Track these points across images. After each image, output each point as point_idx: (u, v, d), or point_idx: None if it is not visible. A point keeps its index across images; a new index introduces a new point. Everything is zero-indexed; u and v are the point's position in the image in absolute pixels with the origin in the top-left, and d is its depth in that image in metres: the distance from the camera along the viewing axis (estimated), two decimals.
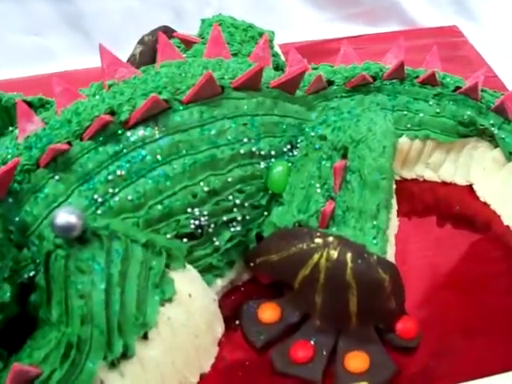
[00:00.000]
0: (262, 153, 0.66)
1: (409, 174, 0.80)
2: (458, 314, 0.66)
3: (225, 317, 0.65)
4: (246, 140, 0.65)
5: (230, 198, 0.63)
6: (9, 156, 0.60)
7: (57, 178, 0.59)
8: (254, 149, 0.65)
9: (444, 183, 0.80)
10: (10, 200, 0.58)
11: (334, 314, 0.62)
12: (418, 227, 0.76)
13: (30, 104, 0.66)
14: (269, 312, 0.64)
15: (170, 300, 0.56)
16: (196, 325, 0.59)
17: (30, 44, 0.88)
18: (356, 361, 0.60)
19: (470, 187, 0.79)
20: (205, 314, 0.60)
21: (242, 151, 0.64)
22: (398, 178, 0.79)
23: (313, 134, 0.67)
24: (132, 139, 0.61)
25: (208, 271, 0.64)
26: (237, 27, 0.80)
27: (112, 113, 0.61)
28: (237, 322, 0.65)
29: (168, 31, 0.84)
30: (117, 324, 0.53)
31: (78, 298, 0.52)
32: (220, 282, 0.66)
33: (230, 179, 0.63)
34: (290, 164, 0.67)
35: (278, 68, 0.78)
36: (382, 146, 0.63)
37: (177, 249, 0.58)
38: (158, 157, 0.61)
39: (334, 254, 0.59)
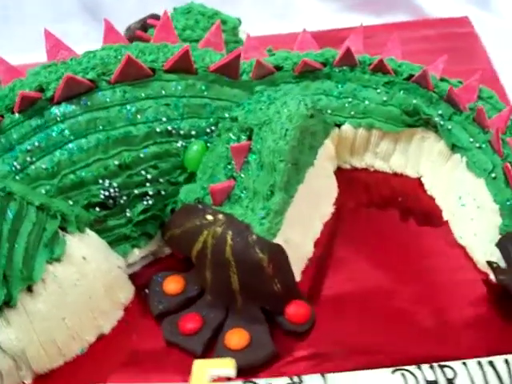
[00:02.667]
0: (181, 132, 0.71)
1: (359, 163, 0.81)
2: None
3: (141, 286, 0.72)
4: (164, 119, 0.70)
5: (143, 172, 0.70)
6: None
7: None
8: (170, 128, 0.70)
9: (396, 174, 0.80)
10: None
11: (221, 291, 0.66)
12: (362, 216, 0.77)
13: None
14: (173, 284, 0.70)
15: (58, 259, 0.63)
16: (91, 287, 0.66)
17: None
18: (236, 338, 0.64)
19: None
20: (102, 278, 0.67)
21: (158, 129, 0.70)
22: (348, 166, 0.81)
23: (227, 115, 0.71)
24: (54, 114, 0.69)
25: (123, 241, 0.71)
26: (203, 14, 0.86)
27: (41, 90, 0.69)
28: (146, 291, 0.71)
29: (156, 17, 0.91)
30: (2, 275, 0.61)
31: None
32: (137, 252, 0.72)
33: (142, 155, 0.69)
34: (208, 144, 0.72)
35: None
36: (284, 129, 0.66)
37: (72, 214, 0.65)
38: (76, 131, 0.68)
39: (219, 231, 0.64)
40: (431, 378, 0.59)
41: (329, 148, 0.77)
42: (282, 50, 0.82)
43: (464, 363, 0.60)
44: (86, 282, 0.66)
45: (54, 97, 0.69)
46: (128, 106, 0.70)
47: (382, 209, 0.78)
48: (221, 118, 0.73)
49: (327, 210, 0.76)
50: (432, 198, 0.77)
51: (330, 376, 0.60)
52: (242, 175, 0.67)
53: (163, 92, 0.71)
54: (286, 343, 0.65)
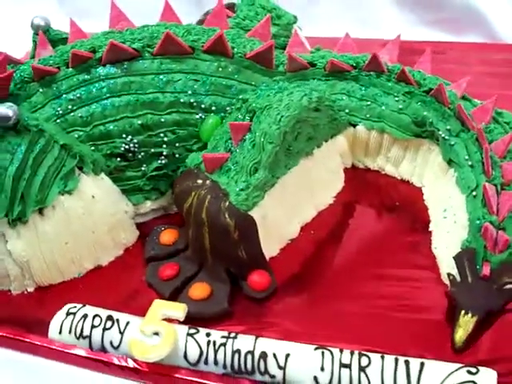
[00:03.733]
0: (203, 106, 0.81)
1: (371, 165, 0.87)
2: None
3: (147, 234, 0.83)
4: (190, 92, 0.81)
5: (162, 135, 0.81)
6: (26, 69, 0.85)
7: (41, 90, 0.82)
8: (193, 100, 0.80)
9: (403, 181, 0.85)
10: (11, 99, 0.84)
11: (197, 248, 0.75)
12: (358, 213, 0.83)
13: (53, 40, 0.91)
14: (167, 236, 0.80)
15: (69, 192, 0.76)
16: (94, 223, 0.78)
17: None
18: (198, 290, 0.73)
19: None
20: (107, 218, 0.79)
21: (182, 100, 0.80)
22: (361, 165, 0.87)
23: (241, 96, 0.80)
24: (98, 73, 0.82)
25: (137, 191, 0.83)
26: (264, 8, 0.95)
27: (94, 51, 0.83)
28: (147, 239, 0.82)
29: (232, 6, 1.02)
30: (20, 195, 0.75)
31: None
32: (149, 204, 0.84)
33: (163, 120, 0.80)
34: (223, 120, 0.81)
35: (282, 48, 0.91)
36: (280, 115, 0.73)
37: (91, 158, 0.78)
38: (112, 90, 0.81)
39: (202, 193, 0.73)
40: (346, 361, 0.64)
41: (341, 144, 0.84)
42: (326, 50, 0.88)
43: (382, 357, 0.64)
44: (91, 217, 0.78)
45: (102, 58, 0.81)
46: (161, 76, 0.81)
47: (379, 210, 0.83)
48: (242, 96, 0.81)
49: (325, 200, 0.82)
50: (426, 208, 0.80)
51: (261, 339, 0.68)
52: (237, 150, 0.75)
53: (196, 69, 0.81)
54: (251, 309, 0.73)
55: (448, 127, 0.78)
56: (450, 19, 1.13)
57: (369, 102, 0.83)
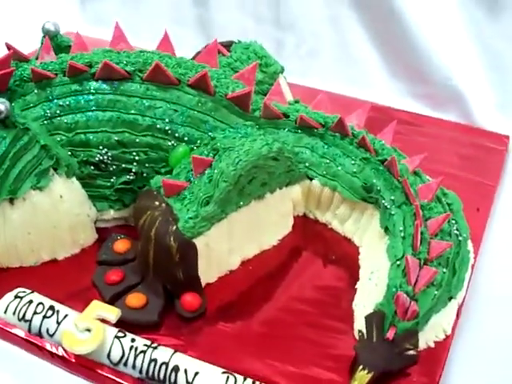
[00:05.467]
0: (176, 135, 0.91)
1: (321, 218, 0.96)
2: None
3: (105, 239, 0.94)
4: (167, 120, 0.91)
5: (134, 154, 0.91)
6: (26, 69, 0.95)
7: (36, 91, 0.93)
8: (168, 128, 0.91)
9: (345, 238, 0.94)
10: (8, 93, 0.94)
11: (142, 261, 0.85)
12: (295, 258, 0.93)
13: (59, 46, 1.02)
14: (121, 245, 0.90)
15: (40, 189, 0.86)
16: (57, 220, 0.88)
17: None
18: (135, 299, 0.83)
19: None
20: (70, 217, 0.89)
21: (158, 126, 0.90)
22: (311, 216, 0.97)
23: (210, 134, 0.90)
24: (89, 86, 0.92)
25: (103, 199, 0.93)
26: (256, 53, 1.05)
27: (90, 65, 0.93)
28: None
29: (231, 44, 1.12)
30: None
31: None
32: (112, 213, 0.94)
33: (138, 140, 0.90)
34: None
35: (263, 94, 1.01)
36: (238, 158, 0.83)
37: (66, 162, 0.88)
38: (99, 104, 0.91)
39: (155, 214, 0.83)
40: None
41: (295, 193, 0.94)
42: (303, 104, 0.98)
43: None
44: (56, 214, 0.88)
45: (96, 74, 0.92)
46: (144, 100, 0.91)
47: (317, 259, 0.92)
48: (211, 134, 0.92)
49: (269, 241, 0.92)
50: (359, 267, 0.90)
51: (177, 354, 0.77)
52: (195, 182, 0.85)
53: (178, 100, 0.92)
54: (179, 326, 0.83)
55: (392, 197, 0.87)
56: (434, 94, 1.23)
57: (328, 161, 0.93)
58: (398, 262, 0.81)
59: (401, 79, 1.27)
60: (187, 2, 1.44)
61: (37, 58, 0.98)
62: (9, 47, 1.03)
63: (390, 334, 0.76)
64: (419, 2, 1.22)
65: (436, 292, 0.79)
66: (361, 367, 0.75)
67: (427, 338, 0.80)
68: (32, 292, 0.84)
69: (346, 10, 1.28)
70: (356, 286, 0.87)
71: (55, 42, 1.02)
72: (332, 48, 1.32)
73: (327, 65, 1.30)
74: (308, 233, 0.95)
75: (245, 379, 0.75)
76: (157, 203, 0.84)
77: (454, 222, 0.87)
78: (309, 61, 1.32)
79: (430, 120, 1.20)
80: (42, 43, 1.02)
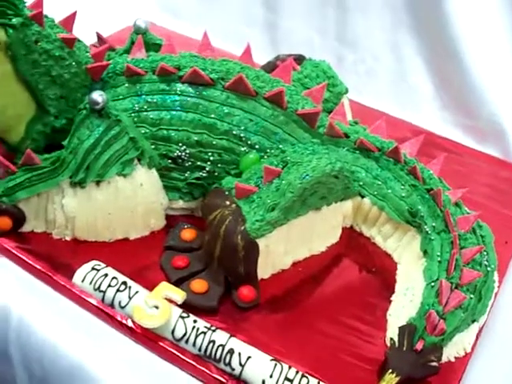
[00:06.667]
0: (249, 142, 1.03)
1: (366, 232, 1.09)
2: None
3: (172, 225, 1.07)
4: (242, 128, 1.03)
5: (210, 154, 1.04)
6: (120, 63, 1.08)
7: (126, 85, 1.05)
8: (243, 135, 1.03)
9: (386, 253, 1.08)
10: (100, 83, 1.07)
11: (208, 252, 0.99)
12: (339, 266, 1.06)
13: (147, 43, 1.14)
14: (188, 233, 1.03)
15: (124, 176, 0.99)
16: (135, 204, 1.02)
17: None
18: (198, 285, 0.96)
19: None
20: (145, 204, 1.02)
21: (234, 132, 1.03)
22: (358, 229, 1.10)
23: (280, 145, 1.03)
24: (176, 87, 1.05)
25: (175, 190, 1.06)
26: (324, 72, 1.17)
27: (178, 68, 1.06)
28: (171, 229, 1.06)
29: (300, 58, 1.25)
30: (86, 165, 0.98)
31: (77, 139, 0.99)
32: (181, 203, 1.07)
33: (215, 142, 1.03)
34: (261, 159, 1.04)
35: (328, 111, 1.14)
36: (305, 173, 0.96)
37: (149, 154, 1.02)
38: (183, 105, 1.04)
39: (225, 213, 0.96)
40: (291, 376, 0.87)
41: (346, 208, 1.06)
42: (362, 126, 1.11)
43: (319, 382, 0.88)
44: (134, 200, 1.01)
45: (183, 77, 1.05)
46: (224, 107, 1.04)
47: (359, 268, 1.05)
48: (281, 147, 1.05)
49: (319, 247, 1.06)
50: (395, 282, 1.03)
51: (233, 339, 0.91)
52: (264, 188, 0.98)
53: (253, 110, 1.04)
54: (233, 313, 0.96)
55: (434, 224, 1.00)
56: (478, 127, 1.35)
57: (380, 182, 1.05)
58: (433, 284, 0.94)
59: (448, 108, 1.39)
60: (259, 5, 1.56)
61: (126, 52, 1.10)
62: (99, 37, 1.16)
63: (419, 346, 0.89)
64: (477, 41, 1.33)
65: (462, 315, 0.91)
66: (390, 370, 0.88)
67: (449, 353, 0.92)
68: (106, 266, 0.97)
69: (407, 37, 1.40)
70: (391, 299, 1.00)
71: (144, 38, 1.14)
72: (388, 70, 1.44)
73: (381, 85, 1.43)
74: (353, 244, 1.08)
75: (289, 368, 0.88)
76: (227, 203, 0.97)
77: (485, 253, 0.99)
78: (365, 79, 1.44)
79: (470, 151, 1.32)
80: (131, 38, 1.14)
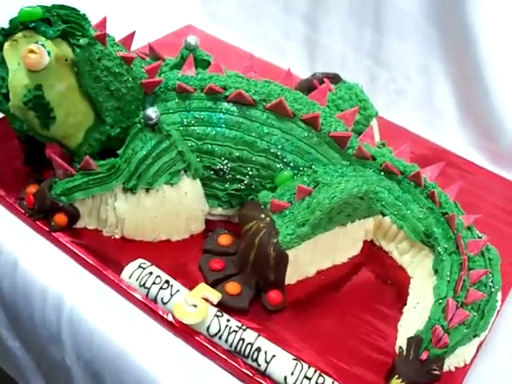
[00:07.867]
0: (285, 160, 1.17)
1: (385, 246, 1.23)
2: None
3: (210, 230, 1.22)
4: (280, 147, 1.17)
5: (249, 169, 1.17)
6: (172, 79, 1.22)
7: (176, 100, 1.19)
8: (279, 153, 1.17)
9: (401, 267, 1.22)
10: (152, 96, 1.21)
11: (242, 258, 1.13)
12: (357, 276, 1.20)
13: (196, 59, 1.27)
14: (225, 239, 1.17)
15: (171, 184, 1.13)
16: (178, 211, 1.16)
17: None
18: (232, 287, 1.09)
19: None
20: (188, 210, 1.16)
21: (272, 150, 1.17)
22: (377, 243, 1.25)
23: (313, 165, 1.17)
24: (221, 106, 1.18)
25: (215, 198, 1.20)
26: (357, 96, 1.30)
27: (224, 88, 1.20)
28: (209, 234, 1.21)
29: (335, 78, 1.38)
30: (138, 173, 1.13)
31: (131, 149, 1.13)
32: (220, 210, 1.21)
33: (254, 159, 1.17)
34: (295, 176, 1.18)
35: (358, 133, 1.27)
36: (334, 194, 1.09)
37: (195, 166, 1.15)
38: (227, 123, 1.18)
39: (261, 225, 1.10)
40: (309, 375, 1.01)
41: (368, 224, 1.20)
42: (388, 148, 1.25)
43: (333, 382, 1.02)
44: (179, 206, 1.15)
45: (228, 97, 1.18)
46: (264, 127, 1.17)
47: (376, 279, 1.19)
48: (314, 167, 1.18)
49: (341, 258, 1.19)
50: (407, 295, 1.17)
51: (261, 338, 1.05)
52: (296, 205, 1.12)
53: (290, 131, 1.18)
54: (261, 314, 1.10)
55: (446, 246, 1.14)
56: (495, 150, 1.47)
57: (400, 203, 1.19)
58: (441, 301, 1.07)
59: (470, 130, 1.52)
60: (298, 19, 1.68)
61: (176, 67, 1.24)
62: (151, 47, 1.29)
63: (423, 356, 1.02)
64: (503, 69, 1.45)
65: (465, 330, 1.04)
66: (396, 376, 1.02)
67: (450, 363, 1.05)
68: (151, 265, 1.11)
69: (437, 62, 1.52)
70: (403, 310, 1.14)
71: (193, 54, 1.27)
72: (417, 91, 1.57)
73: (410, 105, 1.56)
74: (372, 256, 1.22)
75: (309, 367, 1.02)
76: (262, 216, 1.11)
77: (491, 275, 1.13)
78: (395, 98, 1.58)
79: (485, 172, 1.46)
80: (182, 54, 1.27)
